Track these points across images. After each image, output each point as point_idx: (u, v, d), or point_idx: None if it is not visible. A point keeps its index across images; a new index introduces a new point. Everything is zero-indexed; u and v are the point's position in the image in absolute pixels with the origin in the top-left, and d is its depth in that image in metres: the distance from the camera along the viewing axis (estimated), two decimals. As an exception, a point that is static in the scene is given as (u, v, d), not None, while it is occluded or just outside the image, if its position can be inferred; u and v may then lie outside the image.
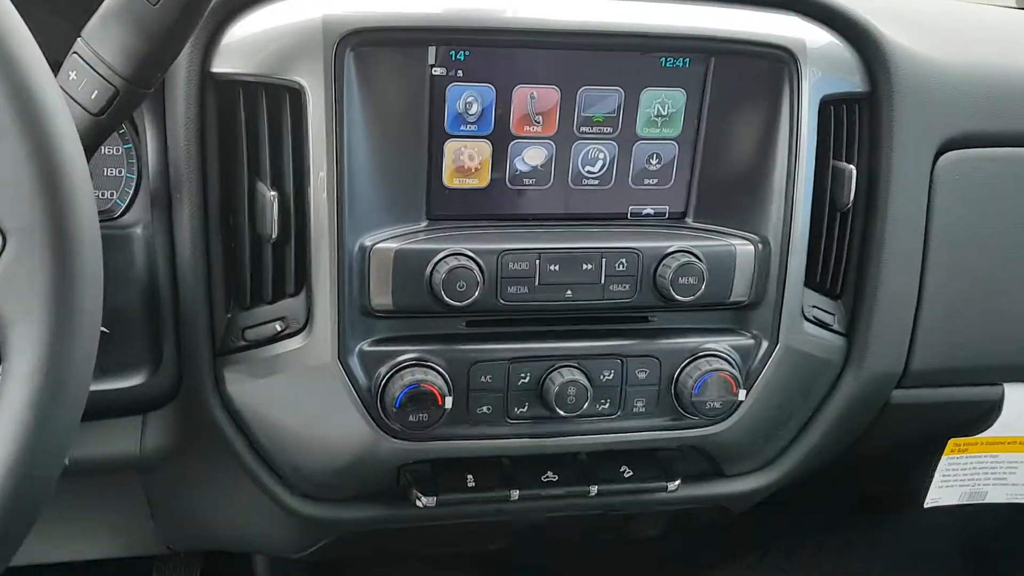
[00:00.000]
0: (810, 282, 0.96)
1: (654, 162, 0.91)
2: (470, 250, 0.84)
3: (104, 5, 0.67)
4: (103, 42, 0.66)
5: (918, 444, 1.12)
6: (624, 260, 0.87)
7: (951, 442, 1.09)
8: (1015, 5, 1.46)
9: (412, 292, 0.84)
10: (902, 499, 1.42)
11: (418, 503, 0.92)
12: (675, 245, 0.88)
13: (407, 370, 0.85)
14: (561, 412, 0.87)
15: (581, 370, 0.89)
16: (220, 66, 0.81)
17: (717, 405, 0.91)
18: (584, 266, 0.87)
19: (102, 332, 0.82)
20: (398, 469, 0.94)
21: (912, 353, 0.99)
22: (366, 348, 0.86)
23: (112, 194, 0.87)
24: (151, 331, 0.86)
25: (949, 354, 1.01)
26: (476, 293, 0.83)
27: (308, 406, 0.88)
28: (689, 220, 0.93)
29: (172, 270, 0.85)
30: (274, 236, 0.82)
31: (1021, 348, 1.03)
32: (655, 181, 0.91)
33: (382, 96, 0.82)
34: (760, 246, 0.91)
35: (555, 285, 0.87)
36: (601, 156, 0.89)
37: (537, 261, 0.86)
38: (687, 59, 0.88)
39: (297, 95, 0.80)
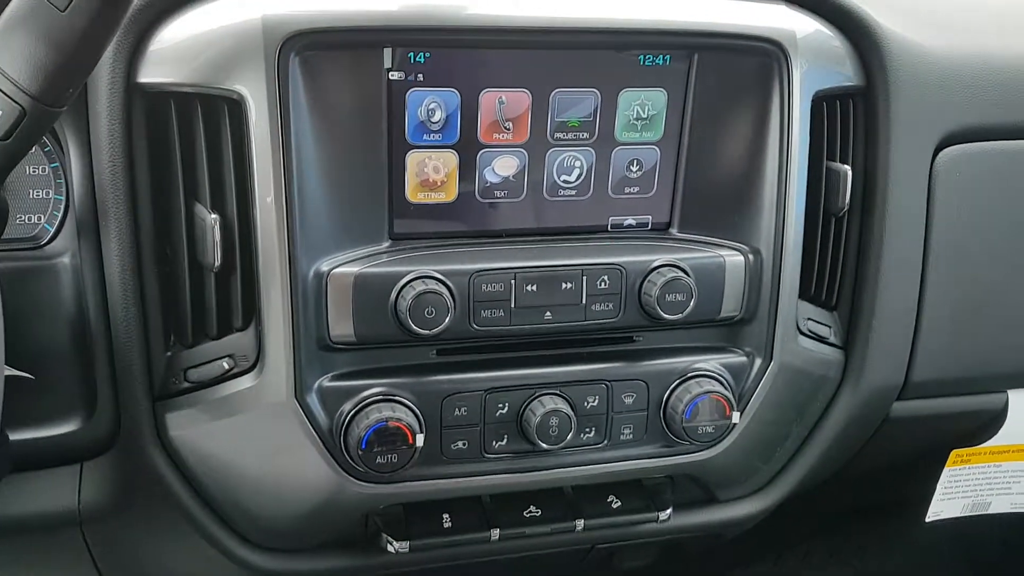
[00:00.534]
0: (804, 293, 0.90)
1: (635, 169, 0.83)
2: (439, 272, 0.76)
3: (6, 13, 0.58)
4: (5, 56, 0.57)
5: (918, 457, 1.06)
6: (606, 277, 0.80)
7: (953, 453, 1.04)
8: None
9: (376, 321, 0.76)
10: (901, 507, 1.37)
11: (390, 548, 0.84)
12: (660, 259, 0.81)
13: (373, 407, 0.77)
14: (543, 445, 0.80)
15: (563, 398, 0.82)
16: (148, 75, 0.72)
17: (710, 429, 0.84)
18: (564, 285, 0.79)
19: (26, 378, 0.75)
20: (366, 514, 0.86)
21: (913, 364, 0.94)
22: (326, 384, 0.78)
23: (39, 218, 0.78)
24: (83, 373, 0.77)
25: (952, 363, 0.95)
26: (447, 320, 0.75)
27: (263, 451, 0.80)
28: (674, 231, 0.86)
29: (104, 304, 0.76)
30: (217, 264, 0.74)
31: (1027, 354, 0.97)
32: (636, 189, 0.84)
33: (334, 105, 0.74)
34: (751, 257, 0.84)
35: (533, 308, 0.79)
36: (578, 164, 0.82)
37: (512, 282, 0.78)
38: (667, 56, 0.81)
39: (237, 106, 0.72)
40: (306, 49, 0.71)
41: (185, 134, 0.74)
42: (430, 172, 0.79)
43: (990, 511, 1.10)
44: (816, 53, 0.83)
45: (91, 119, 0.73)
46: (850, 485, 1.22)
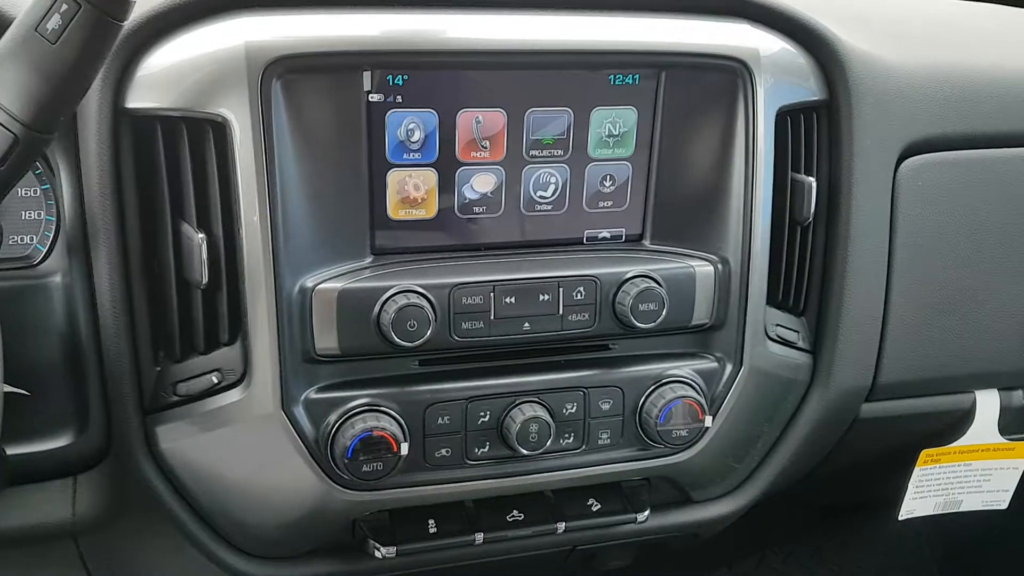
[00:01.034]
0: (772, 300, 0.92)
1: (608, 184, 0.86)
2: (420, 286, 0.79)
3: (1, 42, 0.61)
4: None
5: (889, 456, 1.09)
6: (582, 288, 0.83)
7: (923, 453, 1.07)
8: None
9: (359, 334, 0.79)
10: (875, 506, 1.40)
11: (377, 554, 0.87)
12: (634, 270, 0.84)
13: (358, 417, 0.80)
14: (524, 451, 0.83)
15: (543, 405, 0.84)
16: (135, 100, 0.75)
17: (684, 433, 0.87)
18: (541, 297, 0.82)
19: (21, 394, 0.77)
20: (353, 521, 0.88)
21: (880, 366, 0.97)
22: (312, 396, 0.80)
23: (31, 238, 0.80)
24: (75, 388, 0.79)
25: (918, 365, 0.98)
26: (428, 332, 0.78)
27: (252, 461, 0.82)
28: (646, 242, 0.89)
29: (94, 321, 0.78)
30: (204, 281, 0.76)
31: (991, 354, 1.00)
32: (610, 203, 0.87)
33: (315, 126, 0.77)
34: (720, 266, 0.87)
35: (511, 318, 0.82)
36: (553, 180, 0.85)
37: (491, 294, 0.81)
38: (636, 75, 0.84)
39: (221, 129, 0.74)
40: (287, 73, 0.74)
41: (171, 156, 0.76)
42: (411, 190, 0.82)
43: (962, 508, 1.13)
44: (780, 69, 0.86)
45: (80, 143, 0.75)
46: (828, 485, 1.25)
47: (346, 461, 0.79)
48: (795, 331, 0.95)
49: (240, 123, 0.73)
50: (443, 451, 0.84)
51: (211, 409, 0.80)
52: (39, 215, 0.80)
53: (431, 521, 0.89)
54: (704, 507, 1.01)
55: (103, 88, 0.73)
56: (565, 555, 1.02)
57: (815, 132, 0.91)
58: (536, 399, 0.84)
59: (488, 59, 0.79)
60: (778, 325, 0.93)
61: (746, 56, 0.84)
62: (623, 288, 0.83)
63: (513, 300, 0.81)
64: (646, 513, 0.93)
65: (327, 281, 0.78)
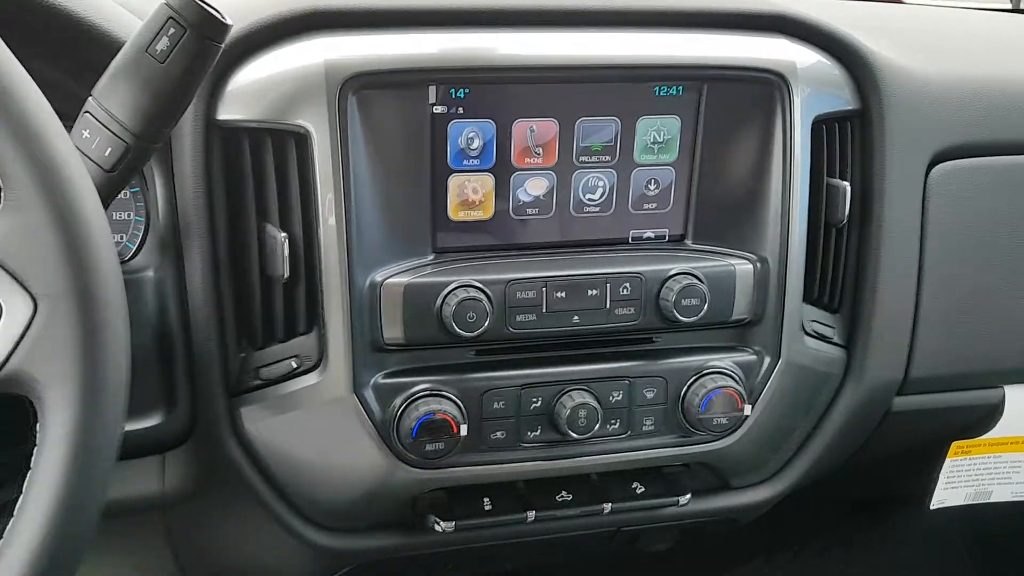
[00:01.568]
0: (808, 297, 0.98)
1: (652, 187, 0.93)
2: (478, 281, 0.86)
3: (113, 64, 0.69)
4: (113, 100, 0.68)
5: (921, 448, 1.14)
6: (628, 284, 0.89)
7: (954, 445, 1.11)
8: (1010, 7, 1.48)
9: (423, 325, 0.86)
10: (907, 500, 1.44)
11: (436, 528, 0.94)
12: (676, 267, 0.90)
13: (421, 400, 0.87)
14: (573, 435, 0.89)
15: (590, 392, 0.91)
16: (225, 113, 0.83)
17: (724, 421, 0.93)
18: (589, 292, 0.89)
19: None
20: (413, 497, 0.95)
21: (911, 361, 1.02)
22: (380, 381, 0.88)
23: (122, 237, 0.89)
24: (164, 373, 0.87)
25: (948, 361, 1.03)
26: (486, 323, 0.85)
27: (324, 440, 0.90)
28: (688, 242, 0.95)
29: (183, 312, 0.86)
30: (285, 276, 0.84)
31: (1019, 352, 1.05)
32: (654, 206, 0.93)
33: (385, 136, 0.84)
34: (759, 265, 0.93)
35: (562, 312, 0.88)
36: (601, 184, 0.91)
37: (544, 289, 0.88)
38: (680, 87, 0.90)
39: (302, 139, 0.82)
40: (362, 88, 0.81)
41: (256, 164, 0.84)
42: (469, 193, 0.89)
43: (992, 500, 1.18)
44: (815, 81, 0.92)
45: (175, 152, 0.84)
46: (860, 478, 1.30)
47: (410, 441, 0.86)
48: (830, 327, 1.00)
49: (319, 134, 0.81)
50: (498, 434, 0.91)
51: (289, 392, 0.88)
52: (129, 216, 0.89)
53: (486, 499, 0.96)
54: (742, 493, 1.07)
55: (197, 103, 0.81)
56: (609, 536, 1.09)
57: (849, 139, 0.96)
58: (584, 387, 0.91)
59: (542, 74, 0.86)
60: (814, 321, 0.99)
61: (784, 69, 0.89)
62: (667, 284, 0.89)
63: (564, 295, 0.88)
64: (687, 497, 0.99)
65: (394, 276, 0.86)
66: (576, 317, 0.89)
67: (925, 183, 0.98)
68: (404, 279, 0.86)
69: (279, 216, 0.84)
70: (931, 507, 1.15)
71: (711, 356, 0.94)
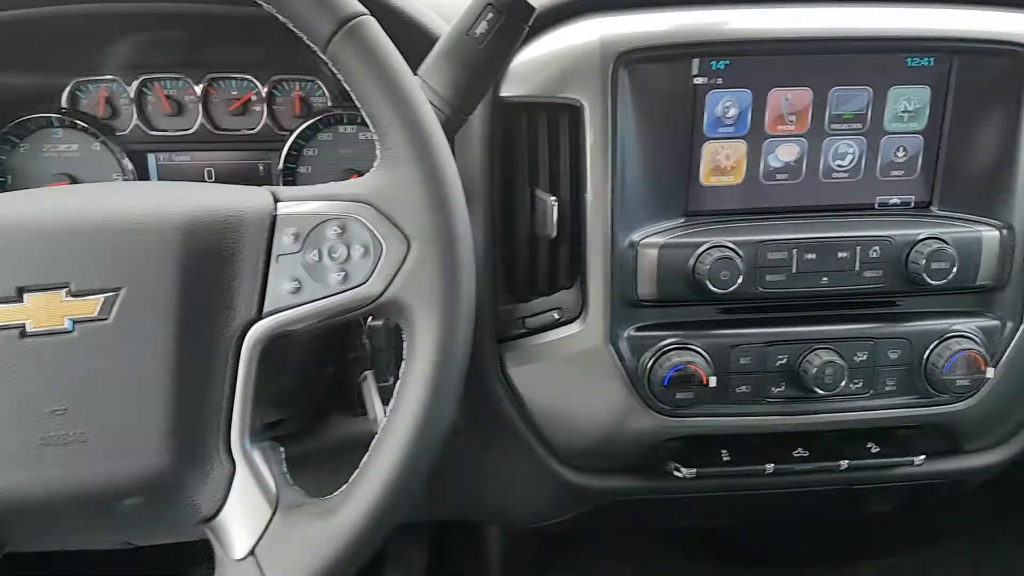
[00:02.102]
0: (1053, 265, 0.98)
1: (900, 154, 0.95)
2: (730, 242, 0.92)
3: (437, 47, 0.79)
4: (436, 78, 0.78)
5: None
6: (877, 248, 0.93)
7: None
8: None
9: (675, 282, 0.93)
10: None
11: (676, 474, 1.01)
12: (925, 232, 0.93)
13: (672, 352, 0.94)
14: (819, 391, 0.94)
15: (835, 351, 0.94)
16: (507, 91, 0.92)
17: (966, 383, 0.95)
18: (839, 254, 0.93)
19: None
20: (653, 445, 1.03)
21: None
22: (632, 333, 0.95)
23: None
24: None
25: None
26: (738, 282, 0.91)
27: (579, 386, 0.98)
28: (934, 208, 0.97)
29: None
30: (553, 235, 0.92)
31: None
32: (901, 172, 0.96)
33: (648, 106, 0.91)
34: (1005, 232, 0.94)
35: (811, 273, 0.93)
36: (850, 151, 0.95)
37: (795, 251, 0.92)
38: (931, 58, 0.92)
39: (576, 111, 0.90)
40: (632, 63, 0.89)
41: (531, 134, 0.93)
42: (722, 159, 0.94)
43: None
44: (1069, 51, 0.92)
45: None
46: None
47: (662, 389, 0.93)
48: None
49: (591, 106, 0.89)
50: (743, 387, 0.96)
51: (549, 341, 0.96)
52: None
53: (724, 451, 1.02)
54: (972, 456, 1.08)
55: (489, 81, 0.91)
56: (835, 495, 1.12)
57: None
58: (830, 346, 0.95)
59: (799, 46, 0.91)
60: (1058, 288, 0.99)
61: (1034, 40, 0.90)
62: (916, 248, 0.92)
63: (813, 256, 0.93)
64: (921, 458, 1.02)
65: (649, 237, 0.93)
66: (825, 278, 0.93)
67: None
68: (659, 239, 0.93)
69: (548, 181, 0.93)
70: None
71: (954, 320, 0.97)
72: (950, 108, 0.94)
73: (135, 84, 1.06)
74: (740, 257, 0.91)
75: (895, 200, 0.97)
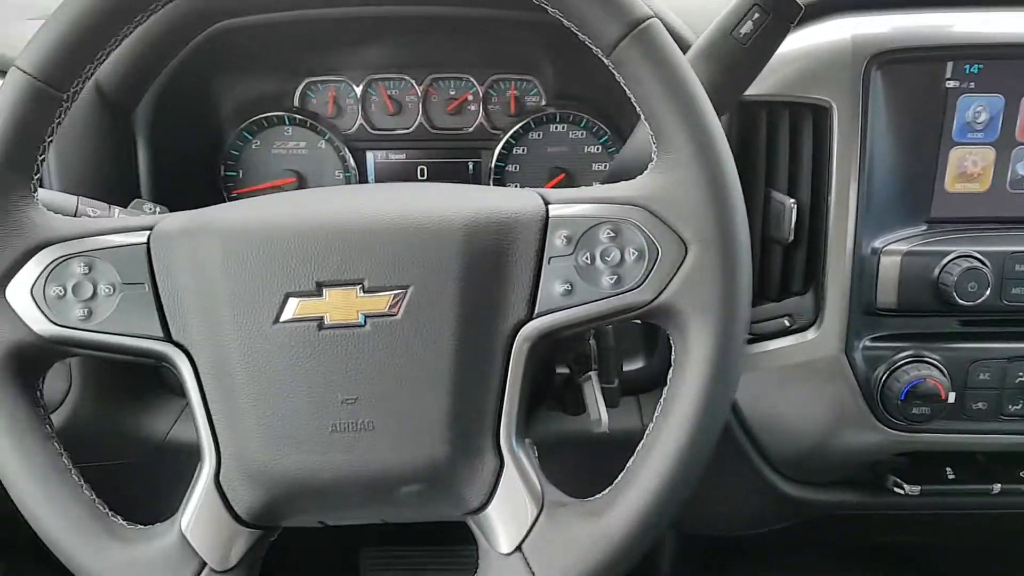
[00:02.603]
0: None
1: None
2: (977, 252, 0.88)
3: (696, 46, 0.78)
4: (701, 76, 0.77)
5: None
6: None
7: None
8: None
9: (917, 292, 0.90)
10: None
11: (897, 491, 0.98)
12: None
13: (910, 366, 0.91)
14: None
15: (1084, 370, 0.90)
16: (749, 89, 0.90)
17: None
18: (1093, 268, 0.88)
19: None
20: (876, 459, 0.99)
21: None
22: (867, 343, 0.92)
23: None
24: (646, 325, 0.98)
25: None
26: (986, 294, 0.87)
27: (807, 395, 0.95)
28: None
29: None
30: (790, 240, 0.91)
31: None
32: None
33: (898, 109, 0.88)
34: None
35: None
36: (1109, 159, 0.90)
37: None
38: None
39: (821, 111, 0.88)
40: (885, 64, 0.86)
41: (771, 134, 0.91)
42: (968, 166, 0.91)
43: None
44: None
45: None
46: None
47: (898, 403, 0.90)
48: None
49: (840, 106, 0.87)
50: (979, 404, 0.92)
51: (777, 348, 0.95)
52: None
53: (948, 469, 0.98)
54: None
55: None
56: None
57: None
58: (1080, 364, 0.90)
59: (1062, 49, 0.87)
60: None
61: None
62: None
63: None
64: None
65: (893, 243, 0.90)
66: (1077, 292, 0.89)
67: None
68: (902, 246, 0.90)
69: (788, 183, 0.91)
70: None
71: None
72: None
73: (361, 85, 1.09)
74: (987, 268, 0.87)
75: None
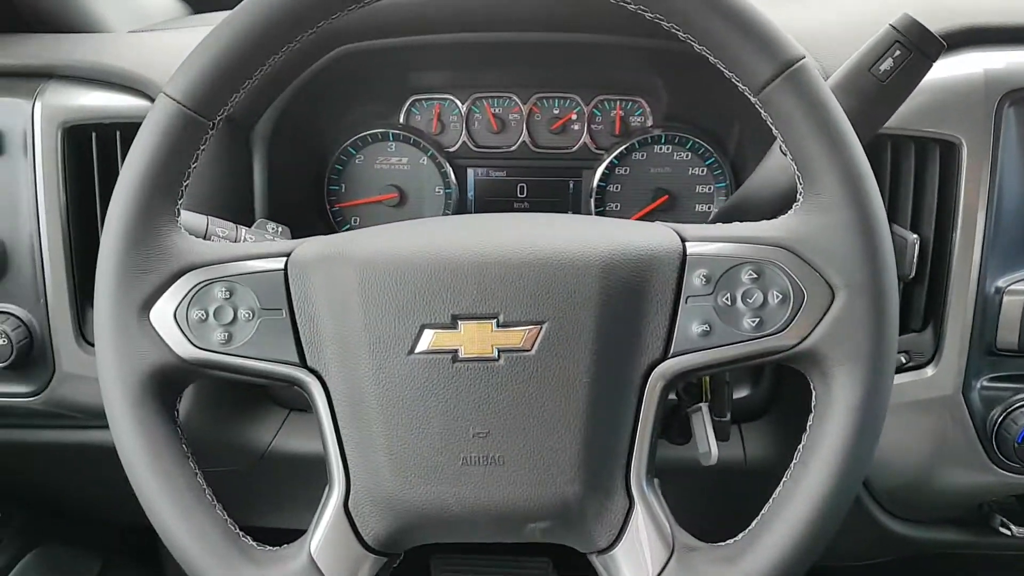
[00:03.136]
0: None
1: None
2: None
3: (833, 80, 0.76)
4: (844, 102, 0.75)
5: None
6: None
7: None
8: None
9: (1040, 333, 0.88)
10: None
11: (1004, 531, 0.96)
12: None
13: (1027, 408, 0.89)
14: None
15: None
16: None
17: None
18: None
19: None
20: (985, 500, 0.97)
21: None
22: (985, 383, 0.90)
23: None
24: None
25: None
26: (1115, 338, 0.85)
27: (917, 434, 0.93)
28: None
29: None
30: (911, 276, 0.89)
31: None
32: None
33: (1026, 146, 0.86)
34: None
35: None
36: None
37: None
38: None
39: (949, 147, 0.86)
40: (1020, 101, 0.84)
41: (894, 169, 0.90)
42: (1098, 203, 0.88)
43: None
44: None
45: None
46: None
47: (1016, 445, 0.88)
48: None
49: (970, 143, 0.85)
50: (1102, 447, 0.90)
51: (895, 384, 0.91)
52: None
53: (1056, 511, 0.96)
54: None
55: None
56: None
57: None
58: None
59: None
60: None
61: None
62: None
63: None
64: None
65: (1016, 283, 0.88)
66: None
67: None
68: (1025, 287, 0.88)
69: (910, 218, 0.89)
70: None
71: None
72: None
73: (467, 103, 1.09)
74: (1121, 312, 0.85)
75: None
